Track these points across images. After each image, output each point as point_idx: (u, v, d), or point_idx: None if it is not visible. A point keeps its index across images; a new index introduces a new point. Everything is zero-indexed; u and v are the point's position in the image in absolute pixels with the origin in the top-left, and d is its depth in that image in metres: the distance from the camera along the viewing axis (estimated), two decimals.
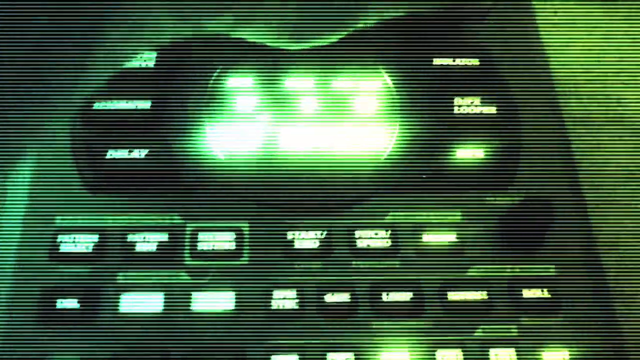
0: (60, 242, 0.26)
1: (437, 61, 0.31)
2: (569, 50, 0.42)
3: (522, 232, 0.27)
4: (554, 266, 0.27)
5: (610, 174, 0.35)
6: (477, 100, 0.30)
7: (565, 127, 0.32)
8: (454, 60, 0.31)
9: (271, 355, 0.25)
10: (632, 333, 0.27)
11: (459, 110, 0.30)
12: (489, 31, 0.32)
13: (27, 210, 0.27)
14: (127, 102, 0.29)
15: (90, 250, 0.26)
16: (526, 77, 0.31)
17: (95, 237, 0.27)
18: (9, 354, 0.25)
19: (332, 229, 0.27)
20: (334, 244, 0.27)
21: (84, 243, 0.27)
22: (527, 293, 0.27)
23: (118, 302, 0.26)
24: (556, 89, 0.36)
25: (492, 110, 0.30)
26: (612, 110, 0.40)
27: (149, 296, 0.26)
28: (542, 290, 0.27)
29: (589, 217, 0.29)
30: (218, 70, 0.30)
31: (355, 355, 0.25)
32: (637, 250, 0.30)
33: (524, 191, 0.28)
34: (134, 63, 0.30)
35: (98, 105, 0.29)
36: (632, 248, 0.31)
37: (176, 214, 0.27)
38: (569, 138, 0.32)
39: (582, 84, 0.41)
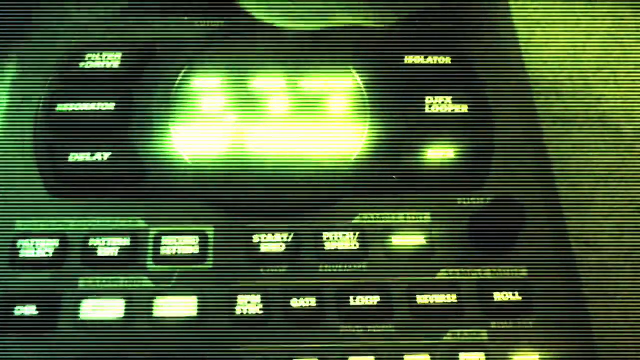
0: (20, 247, 0.26)
1: (408, 59, 0.30)
2: (549, 47, 0.41)
3: (493, 234, 0.27)
4: (525, 268, 0.27)
5: (588, 173, 0.35)
6: (448, 99, 0.29)
7: (541, 126, 0.31)
8: (425, 58, 0.30)
9: None
10: (604, 336, 0.26)
11: (429, 109, 0.29)
12: (461, 28, 0.31)
13: None
14: (90, 104, 0.28)
15: (51, 255, 0.26)
16: (500, 75, 0.31)
17: (55, 242, 0.26)
18: None
19: (299, 231, 0.27)
20: (300, 247, 0.27)
21: (44, 248, 0.26)
22: (498, 296, 0.26)
23: (78, 308, 0.25)
24: (534, 88, 0.35)
25: (464, 108, 0.29)
26: (592, 108, 0.39)
27: (110, 302, 0.25)
28: (513, 293, 0.26)
29: (564, 218, 0.28)
30: (184, 70, 0.29)
31: None
32: (612, 252, 0.30)
33: (496, 192, 0.28)
34: (98, 63, 0.29)
35: (61, 107, 0.28)
36: (607, 249, 0.30)
37: (139, 217, 0.27)
38: (545, 137, 0.31)
39: (562, 82, 0.41)
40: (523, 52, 0.33)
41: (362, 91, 0.29)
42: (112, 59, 0.29)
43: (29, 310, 0.25)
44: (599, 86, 0.41)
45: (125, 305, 0.25)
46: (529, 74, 0.34)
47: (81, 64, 0.29)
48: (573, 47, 0.42)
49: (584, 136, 0.38)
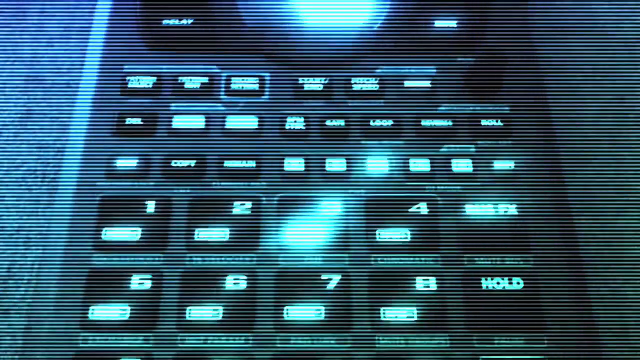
0: (128, 81, 0.35)
1: None
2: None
3: (483, 82, 0.35)
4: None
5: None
6: None
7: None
8: None
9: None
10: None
11: None
12: None
13: (101, 64, 0.36)
14: None
15: (151, 86, 0.35)
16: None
17: (153, 79, 0.35)
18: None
19: (333, 77, 0.35)
20: (334, 87, 0.35)
21: (145, 81, 0.35)
22: (485, 122, 0.34)
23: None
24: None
25: None
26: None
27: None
28: (497, 121, 0.34)
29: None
30: None
31: (348, 163, 0.33)
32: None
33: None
34: None
35: None
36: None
37: (214, 64, 0.36)
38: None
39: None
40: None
41: None
42: None
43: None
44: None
45: (205, 121, 0.34)
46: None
47: None
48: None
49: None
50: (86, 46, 0.37)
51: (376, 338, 0.29)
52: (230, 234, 0.31)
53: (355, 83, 0.35)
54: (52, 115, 0.44)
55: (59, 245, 0.31)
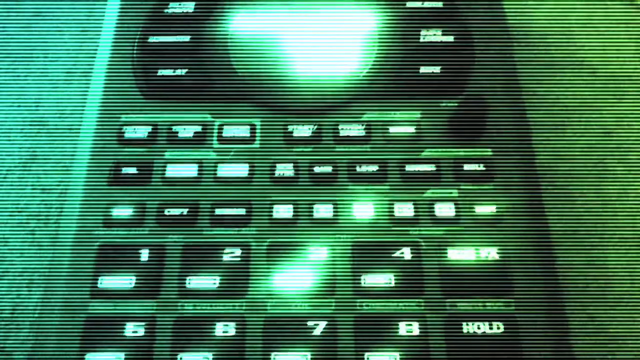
0: (125, 131, 0.37)
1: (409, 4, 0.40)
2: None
3: (466, 125, 0.36)
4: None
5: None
6: (439, 32, 0.39)
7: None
8: (422, 4, 0.40)
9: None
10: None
11: (424, 39, 0.39)
12: None
13: (99, 116, 0.38)
14: (171, 37, 0.39)
15: (146, 136, 0.37)
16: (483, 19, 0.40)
17: (149, 128, 0.37)
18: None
19: (322, 123, 0.37)
20: (322, 134, 0.36)
21: (141, 131, 0.37)
22: (467, 167, 0.35)
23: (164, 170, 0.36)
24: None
25: (450, 38, 0.39)
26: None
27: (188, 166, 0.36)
28: (479, 165, 0.35)
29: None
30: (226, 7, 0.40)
31: (335, 209, 0.34)
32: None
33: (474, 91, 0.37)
34: (178, 10, 0.40)
35: (151, 39, 0.39)
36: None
37: (207, 113, 0.37)
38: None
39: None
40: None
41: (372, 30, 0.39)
42: (187, 7, 0.40)
43: (131, 169, 0.36)
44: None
45: (198, 169, 0.36)
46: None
47: (165, 11, 0.40)
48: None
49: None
50: (87, 91, 0.38)
51: None
52: (220, 281, 0.32)
53: (342, 129, 0.36)
54: (55, 158, 0.46)
55: (59, 292, 0.32)
